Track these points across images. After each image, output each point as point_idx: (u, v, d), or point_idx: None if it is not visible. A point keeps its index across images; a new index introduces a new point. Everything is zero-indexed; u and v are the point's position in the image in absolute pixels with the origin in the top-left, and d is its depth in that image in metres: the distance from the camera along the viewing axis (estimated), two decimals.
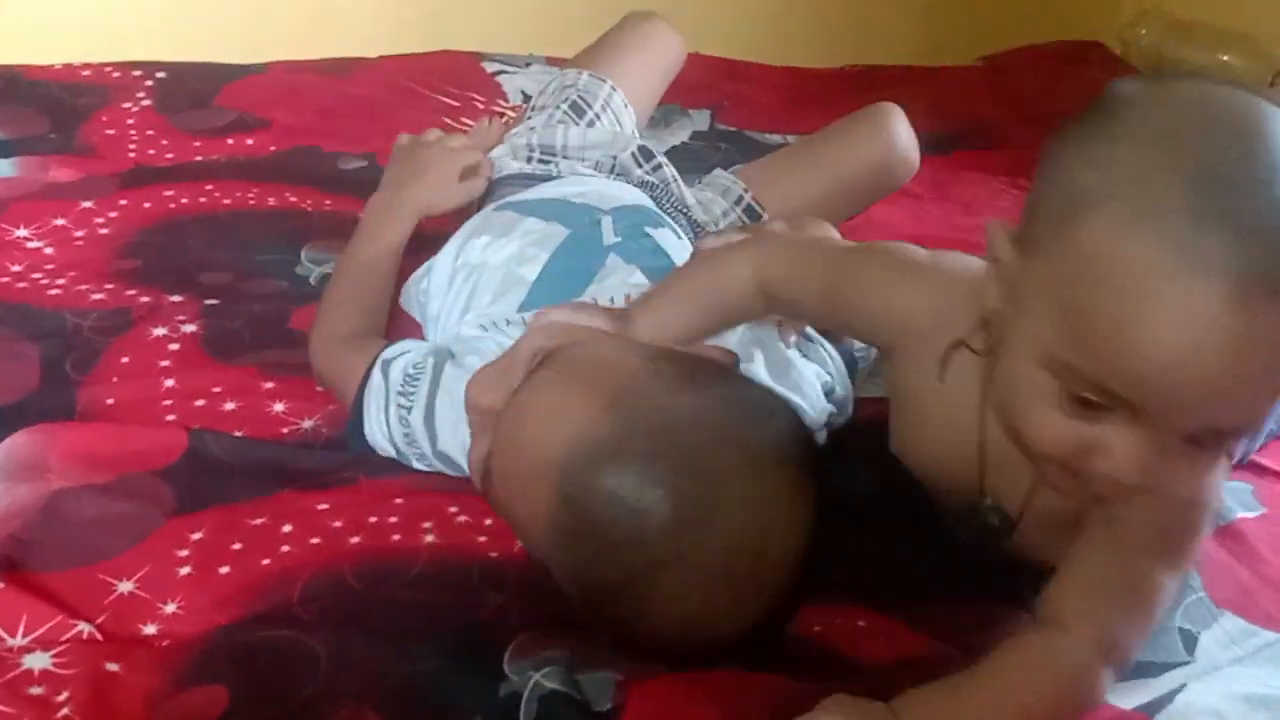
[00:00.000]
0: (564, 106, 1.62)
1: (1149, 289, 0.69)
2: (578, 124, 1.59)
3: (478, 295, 1.26)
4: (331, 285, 1.35)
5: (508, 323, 1.19)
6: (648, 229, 1.34)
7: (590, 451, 0.87)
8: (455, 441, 1.11)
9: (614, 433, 0.88)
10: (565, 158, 1.54)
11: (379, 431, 1.15)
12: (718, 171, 1.57)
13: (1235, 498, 1.15)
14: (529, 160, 1.55)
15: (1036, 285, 0.77)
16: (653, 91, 1.81)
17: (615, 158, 1.53)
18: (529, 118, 1.66)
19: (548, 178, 1.51)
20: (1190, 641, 0.98)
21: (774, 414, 0.96)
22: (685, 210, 1.47)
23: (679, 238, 1.37)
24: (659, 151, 1.56)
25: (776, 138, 2.11)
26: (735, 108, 2.25)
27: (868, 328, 1.03)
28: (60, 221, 1.56)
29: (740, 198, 1.51)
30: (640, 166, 1.51)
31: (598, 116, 1.62)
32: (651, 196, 1.47)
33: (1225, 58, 2.64)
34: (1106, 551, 0.87)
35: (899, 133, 1.52)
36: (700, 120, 2.17)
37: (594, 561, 0.87)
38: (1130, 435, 0.73)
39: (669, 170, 1.51)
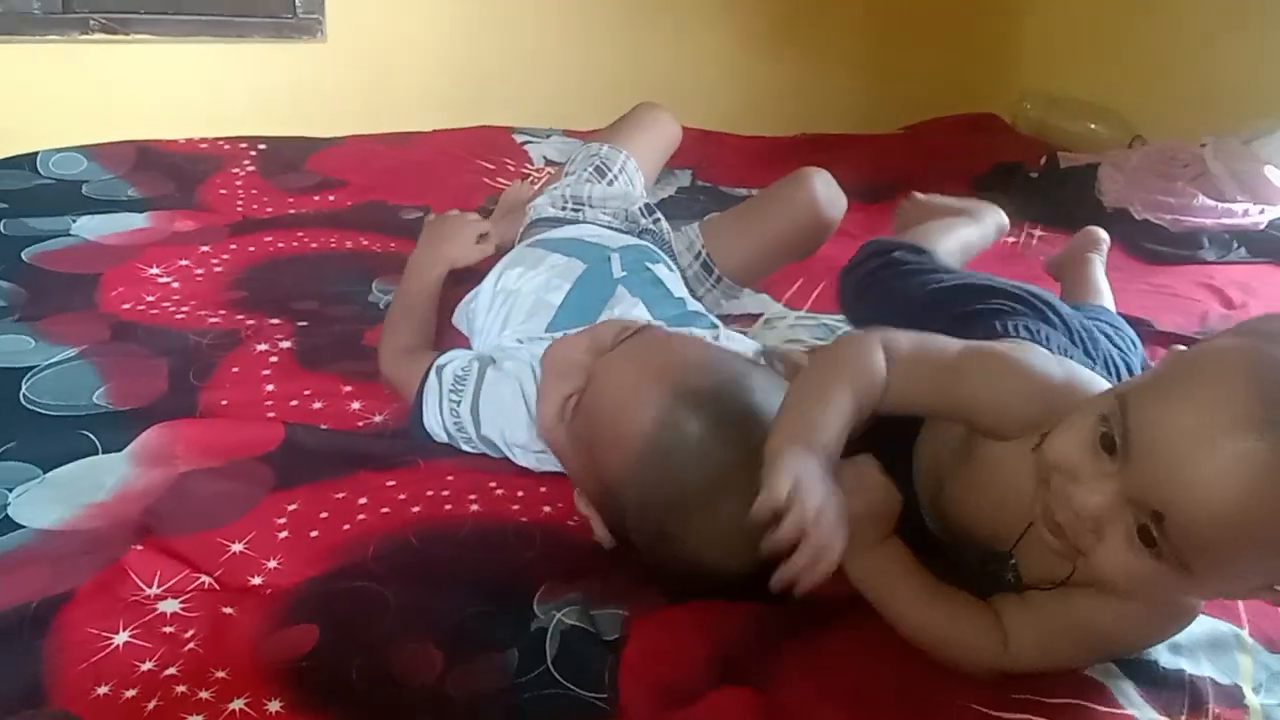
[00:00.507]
0: (590, 169, 1.64)
1: (1203, 382, 0.69)
2: (600, 182, 1.60)
3: (514, 315, 1.27)
4: (390, 313, 1.36)
5: (539, 339, 1.20)
6: (647, 264, 1.35)
7: (688, 392, 0.88)
8: (494, 428, 1.12)
9: (707, 380, 0.89)
10: (590, 206, 1.55)
11: (435, 422, 1.15)
12: (691, 226, 1.57)
13: None
14: (563, 208, 1.56)
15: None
16: (656, 162, 1.82)
17: (627, 210, 1.53)
18: (566, 176, 1.68)
19: (575, 221, 1.53)
20: None
21: None
22: (673, 255, 1.48)
23: (670, 270, 1.39)
24: (657, 207, 1.57)
25: (743, 191, 2.11)
26: (711, 168, 2.25)
27: (979, 416, 0.89)
28: (184, 262, 1.56)
29: (699, 253, 1.51)
30: (645, 218, 1.52)
31: (616, 177, 1.63)
32: (651, 241, 1.47)
33: (1093, 126, 2.65)
34: (1065, 621, 0.83)
35: (818, 189, 1.50)
36: (683, 178, 2.17)
37: (671, 477, 0.87)
38: (1103, 482, 0.72)
39: (665, 223, 1.52)
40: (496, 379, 1.13)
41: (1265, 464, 0.64)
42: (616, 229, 1.50)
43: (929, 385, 0.88)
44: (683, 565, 0.89)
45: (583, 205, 1.55)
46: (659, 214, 1.54)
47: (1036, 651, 0.84)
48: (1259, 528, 0.66)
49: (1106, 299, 1.46)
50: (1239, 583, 0.73)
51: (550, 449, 1.04)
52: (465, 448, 1.15)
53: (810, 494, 0.76)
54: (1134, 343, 1.23)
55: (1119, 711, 0.82)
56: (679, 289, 1.34)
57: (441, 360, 1.18)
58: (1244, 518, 0.66)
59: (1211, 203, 1.99)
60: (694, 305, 1.33)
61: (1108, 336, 1.18)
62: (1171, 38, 2.54)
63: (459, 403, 1.13)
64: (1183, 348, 0.78)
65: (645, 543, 0.92)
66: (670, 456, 0.87)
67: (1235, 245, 1.94)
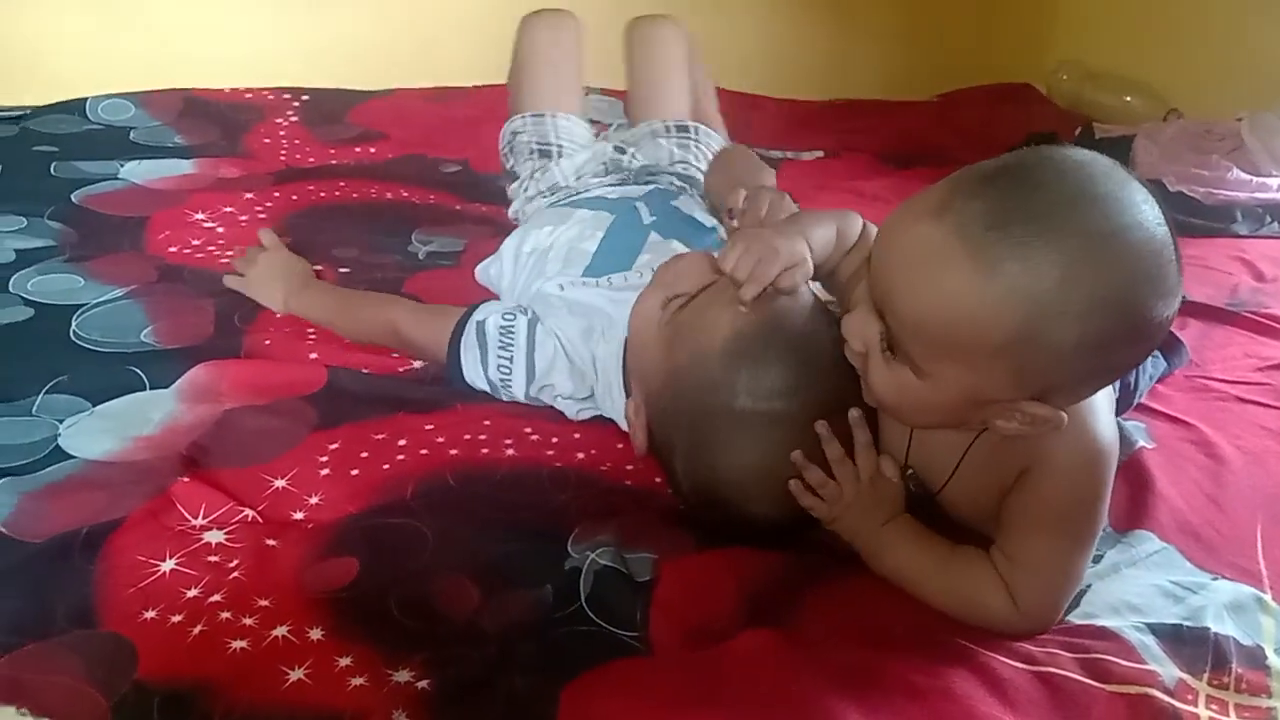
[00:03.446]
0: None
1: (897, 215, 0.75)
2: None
3: (548, 265, 1.27)
4: (347, 326, 1.25)
5: (582, 284, 1.20)
6: (671, 202, 1.36)
7: (785, 332, 0.90)
8: (545, 382, 1.11)
9: (807, 339, 0.90)
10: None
11: (477, 374, 1.14)
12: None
13: (1136, 433, 1.13)
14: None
15: None
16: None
17: (604, 163, 1.53)
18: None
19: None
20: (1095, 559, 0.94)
21: None
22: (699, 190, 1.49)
23: (693, 198, 1.41)
24: (627, 147, 1.56)
25: (777, 153, 2.09)
26: (746, 130, 2.22)
27: None
28: (228, 208, 1.56)
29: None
30: (621, 155, 1.52)
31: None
32: (679, 172, 1.49)
33: (1128, 99, 2.59)
34: (1035, 539, 0.83)
35: None
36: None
37: (728, 387, 0.88)
38: (865, 312, 0.78)
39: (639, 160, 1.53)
40: (545, 336, 1.12)
41: (934, 241, 0.69)
42: (624, 183, 1.49)
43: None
44: (705, 488, 0.91)
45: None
46: (632, 149, 1.54)
47: (1036, 598, 0.83)
48: (946, 305, 0.69)
49: None
50: (974, 384, 0.73)
51: (631, 338, 1.04)
52: (503, 397, 1.15)
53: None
54: None
55: (1142, 667, 0.81)
56: (708, 218, 1.35)
57: (479, 314, 1.16)
58: (927, 293, 0.70)
59: (1246, 176, 1.95)
60: (724, 232, 1.32)
61: None
62: (1208, 12, 2.48)
63: (511, 358, 1.12)
64: None
65: (679, 455, 0.93)
66: (736, 370, 0.88)
67: (1268, 219, 1.90)
